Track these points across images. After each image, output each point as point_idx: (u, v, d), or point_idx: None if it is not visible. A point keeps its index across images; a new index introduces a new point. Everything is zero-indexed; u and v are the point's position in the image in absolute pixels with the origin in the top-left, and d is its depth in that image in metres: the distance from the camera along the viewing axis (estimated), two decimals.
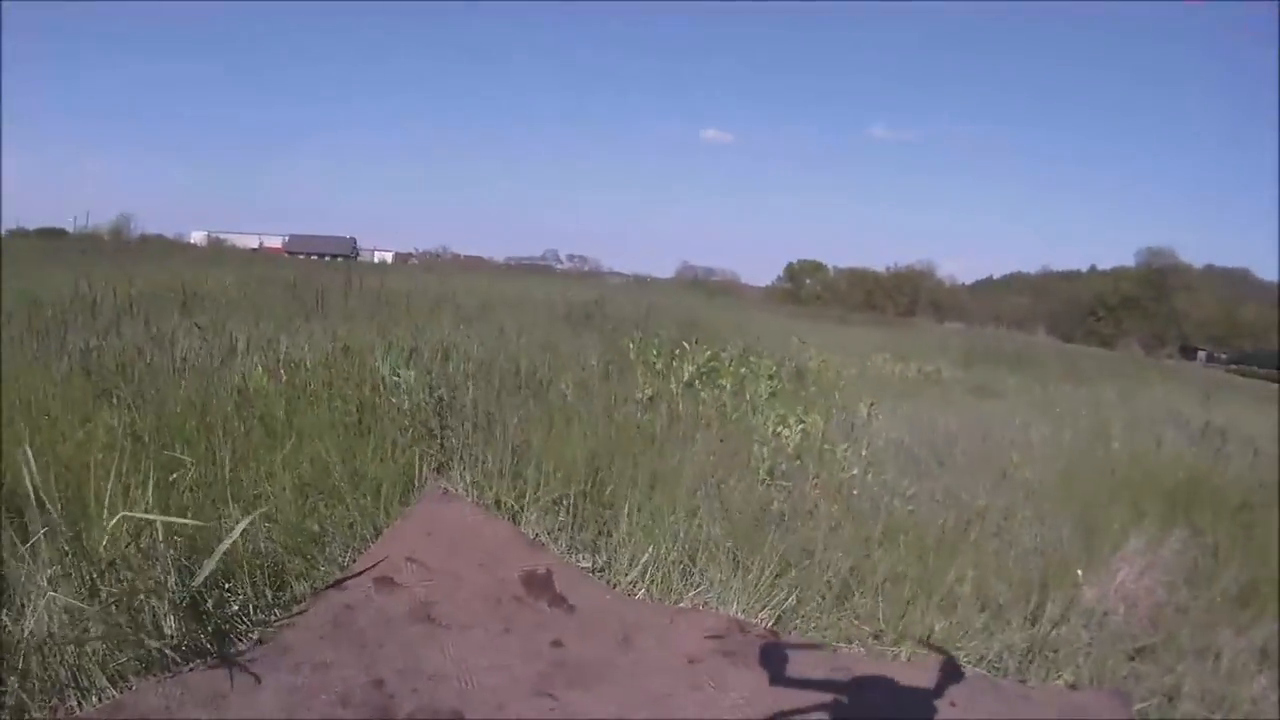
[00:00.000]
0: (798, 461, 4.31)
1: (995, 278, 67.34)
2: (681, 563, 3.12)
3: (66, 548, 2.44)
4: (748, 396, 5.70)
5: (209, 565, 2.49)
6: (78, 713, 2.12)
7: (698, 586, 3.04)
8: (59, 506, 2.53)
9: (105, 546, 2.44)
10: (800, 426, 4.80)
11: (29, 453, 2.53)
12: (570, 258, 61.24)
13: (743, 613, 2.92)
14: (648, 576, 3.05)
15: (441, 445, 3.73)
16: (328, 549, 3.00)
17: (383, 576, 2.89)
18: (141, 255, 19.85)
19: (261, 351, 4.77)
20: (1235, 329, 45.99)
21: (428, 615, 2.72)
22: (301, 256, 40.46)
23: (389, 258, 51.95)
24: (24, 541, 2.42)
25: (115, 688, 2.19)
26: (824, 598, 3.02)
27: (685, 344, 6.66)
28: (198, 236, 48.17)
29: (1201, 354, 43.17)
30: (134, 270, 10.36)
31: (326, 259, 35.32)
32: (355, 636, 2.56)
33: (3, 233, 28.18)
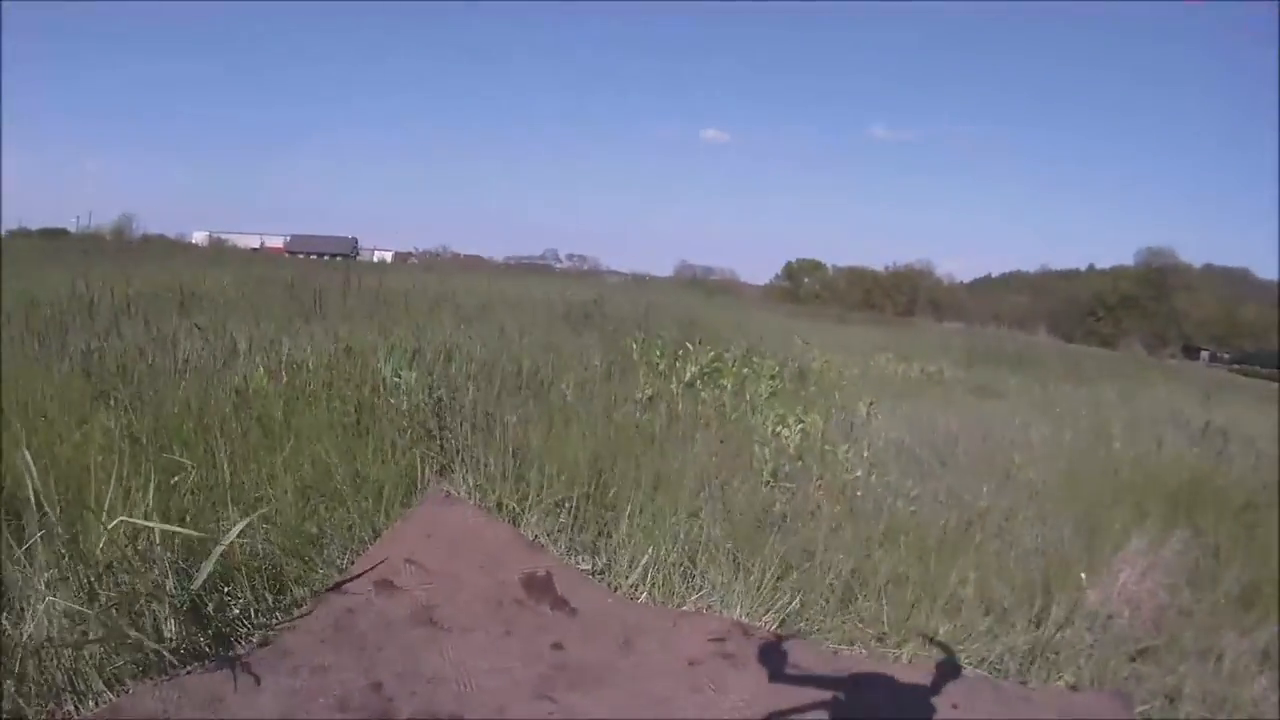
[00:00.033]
0: (799, 462, 4.30)
1: (994, 276, 67.29)
2: (683, 565, 3.10)
3: (64, 551, 2.43)
4: (748, 397, 5.69)
5: (206, 567, 2.48)
6: (75, 717, 2.11)
7: (699, 589, 3.02)
8: (57, 509, 2.52)
9: (103, 550, 2.43)
10: (800, 426, 4.80)
11: (28, 456, 2.52)
12: (570, 257, 61.21)
13: (745, 616, 2.91)
14: (649, 579, 3.04)
15: (441, 447, 3.72)
16: (327, 551, 2.99)
17: (383, 579, 2.87)
18: (143, 255, 19.81)
19: (263, 352, 4.76)
20: (1235, 329, 45.94)
21: (428, 618, 2.71)
22: (302, 256, 40.44)
23: (389, 257, 51.90)
24: (21, 544, 2.41)
25: (112, 691, 2.18)
26: (827, 600, 3.01)
27: (689, 344, 6.65)
28: (199, 237, 48.14)
29: (1204, 354, 43.13)
30: (134, 270, 10.36)
31: (327, 259, 35.31)
32: (355, 639, 2.55)
33: (4, 233, 28.15)
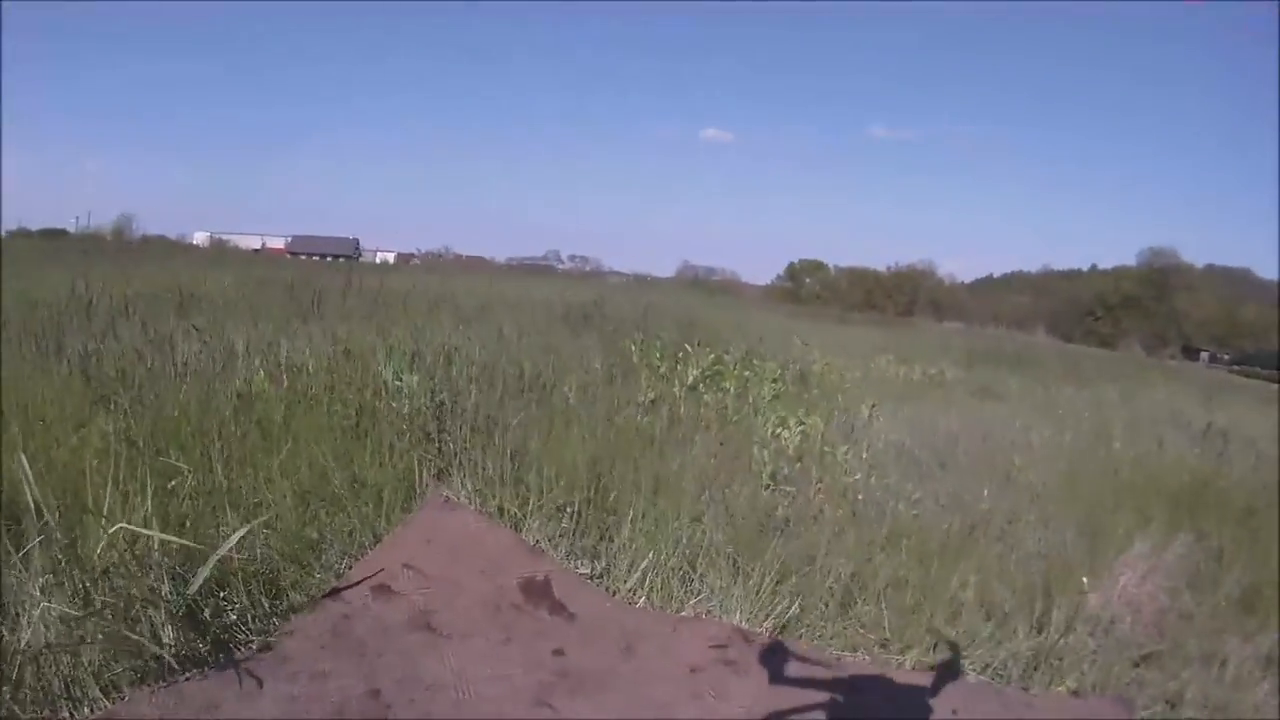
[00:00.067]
0: (799, 464, 4.29)
1: (995, 277, 67.34)
2: (682, 569, 3.09)
3: (61, 556, 2.41)
4: (750, 399, 5.68)
5: (203, 573, 2.46)
6: None
7: (699, 594, 3.01)
8: (54, 514, 2.51)
9: (100, 555, 2.42)
10: (800, 428, 4.79)
11: (25, 461, 2.51)
12: (571, 258, 61.28)
13: (745, 621, 2.89)
14: (648, 584, 3.03)
15: (440, 450, 3.70)
16: (326, 557, 2.98)
17: (381, 585, 2.86)
18: (143, 256, 19.83)
19: (262, 355, 4.75)
20: (1236, 329, 45.91)
21: (427, 624, 2.70)
22: (304, 257, 40.47)
23: (391, 258, 51.94)
24: (18, 549, 2.40)
25: (108, 698, 2.16)
26: (827, 605, 3.00)
27: (689, 346, 6.64)
28: (200, 237, 48.17)
29: (1204, 354, 43.09)
30: (133, 271, 10.37)
31: (329, 260, 35.33)
32: (354, 645, 2.53)
33: (3, 233, 28.15)
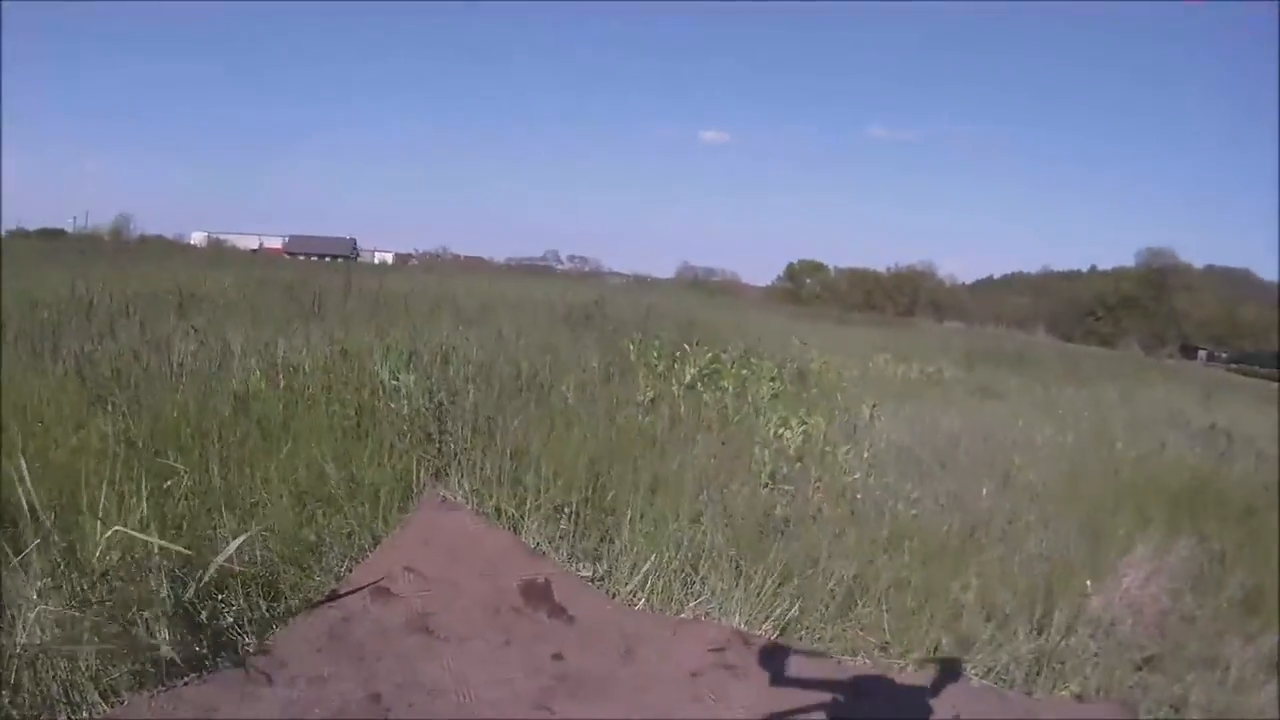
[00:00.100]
0: (799, 464, 4.28)
1: (995, 277, 67.34)
2: (683, 571, 3.07)
3: (58, 558, 2.40)
4: (749, 399, 5.67)
5: (203, 579, 2.45)
6: None
7: (699, 596, 2.99)
8: (51, 516, 2.49)
9: (98, 558, 2.40)
10: (802, 429, 4.77)
11: (23, 464, 2.49)
12: (570, 258, 61.19)
13: (745, 624, 2.87)
14: (649, 586, 3.01)
15: (439, 450, 3.69)
16: (324, 559, 2.95)
17: (380, 587, 2.84)
18: (141, 256, 19.79)
19: (259, 355, 4.73)
20: (1235, 329, 45.94)
21: (425, 627, 2.68)
22: (301, 257, 40.40)
23: (389, 258, 51.84)
24: (16, 552, 2.38)
25: (106, 702, 2.15)
26: (828, 607, 2.98)
27: (686, 345, 6.63)
28: (198, 237, 48.06)
29: (1202, 353, 43.12)
30: (132, 271, 10.34)
31: (327, 260, 35.26)
32: (352, 649, 2.52)
33: (2, 233, 28.10)
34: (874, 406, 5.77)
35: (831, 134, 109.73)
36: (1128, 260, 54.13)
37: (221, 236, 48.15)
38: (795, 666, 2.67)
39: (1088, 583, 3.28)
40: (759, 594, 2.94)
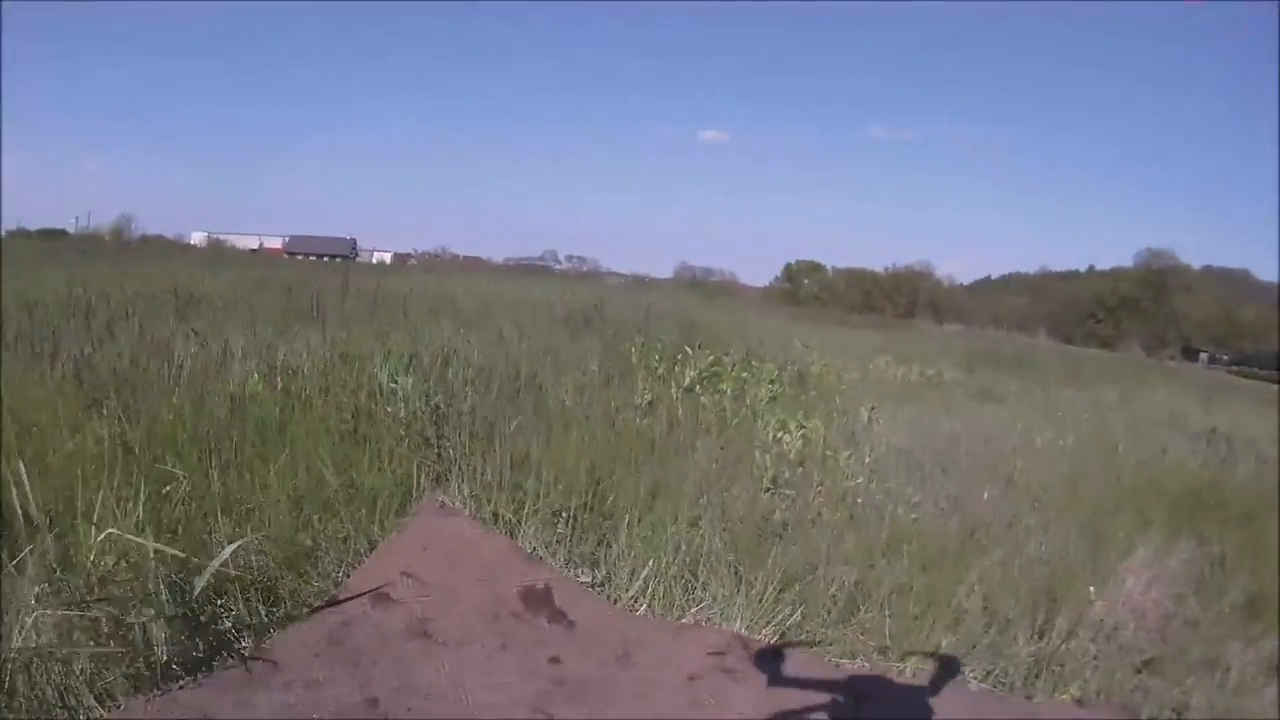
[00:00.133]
0: (800, 469, 4.27)
1: (994, 278, 67.33)
2: (683, 576, 3.06)
3: (55, 563, 2.39)
4: (748, 402, 5.66)
5: (199, 584, 2.44)
6: None
7: (699, 601, 2.98)
8: (48, 520, 2.48)
9: (94, 562, 2.39)
10: (801, 432, 4.76)
11: (21, 468, 2.48)
12: (569, 258, 61.16)
13: (745, 629, 2.86)
14: (649, 591, 3.00)
15: (439, 455, 3.68)
16: (322, 564, 2.94)
17: (378, 592, 2.83)
18: (141, 256, 19.79)
19: (258, 358, 4.72)
20: (1235, 330, 45.96)
21: (423, 631, 2.67)
22: (301, 257, 40.38)
23: (388, 258, 51.82)
24: (12, 556, 2.37)
25: (103, 706, 2.14)
26: (829, 612, 2.97)
27: (687, 349, 6.62)
28: (198, 237, 48.06)
29: (1203, 355, 43.13)
30: (132, 272, 10.33)
31: (326, 260, 35.25)
32: (349, 653, 2.51)
33: (3, 233, 28.09)
34: (873, 409, 5.76)
35: (831, 134, 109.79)
36: (1126, 261, 54.24)
37: (221, 236, 48.15)
38: (794, 670, 2.66)
39: (1090, 589, 3.26)
40: (760, 599, 2.93)
